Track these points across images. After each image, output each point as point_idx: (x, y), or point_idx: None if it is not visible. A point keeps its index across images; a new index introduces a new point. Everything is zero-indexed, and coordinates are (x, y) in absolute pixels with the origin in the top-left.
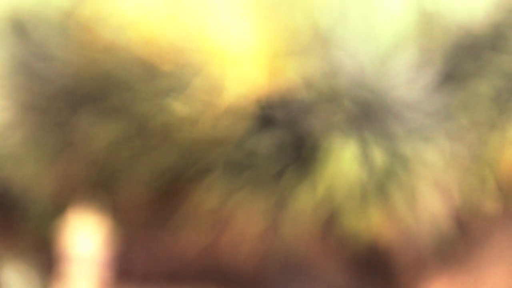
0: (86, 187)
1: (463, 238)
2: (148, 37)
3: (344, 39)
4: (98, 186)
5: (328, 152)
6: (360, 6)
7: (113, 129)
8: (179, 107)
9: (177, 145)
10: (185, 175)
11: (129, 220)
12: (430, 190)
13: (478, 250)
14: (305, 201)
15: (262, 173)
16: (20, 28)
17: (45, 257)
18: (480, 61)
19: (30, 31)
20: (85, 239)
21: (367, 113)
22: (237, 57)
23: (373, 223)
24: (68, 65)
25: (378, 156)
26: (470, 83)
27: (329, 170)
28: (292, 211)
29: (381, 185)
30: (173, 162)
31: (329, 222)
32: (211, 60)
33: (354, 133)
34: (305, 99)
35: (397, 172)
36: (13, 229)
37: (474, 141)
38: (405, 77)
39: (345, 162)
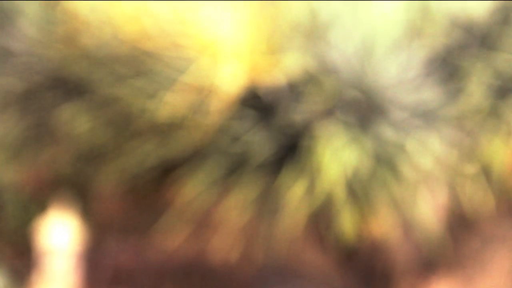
0: (66, 181)
1: (456, 236)
2: (136, 30)
3: (335, 36)
4: (78, 179)
5: (317, 144)
6: (352, 2)
7: (97, 120)
8: (167, 98)
9: (163, 136)
10: (170, 166)
11: (109, 213)
12: (422, 188)
13: (472, 248)
14: (293, 194)
15: (250, 164)
16: (3, 17)
17: (22, 252)
18: (473, 59)
19: (13, 20)
20: (63, 234)
21: (359, 109)
22: (227, 49)
23: (363, 219)
24: (52, 56)
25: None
26: (463, 81)
27: (317, 162)
28: (281, 203)
29: (371, 182)
30: (158, 153)
31: (319, 216)
32: (201, 52)
33: (345, 128)
34: (294, 92)
35: (389, 165)
36: None
37: (466, 139)
38: (397, 74)
39: (334, 154)
